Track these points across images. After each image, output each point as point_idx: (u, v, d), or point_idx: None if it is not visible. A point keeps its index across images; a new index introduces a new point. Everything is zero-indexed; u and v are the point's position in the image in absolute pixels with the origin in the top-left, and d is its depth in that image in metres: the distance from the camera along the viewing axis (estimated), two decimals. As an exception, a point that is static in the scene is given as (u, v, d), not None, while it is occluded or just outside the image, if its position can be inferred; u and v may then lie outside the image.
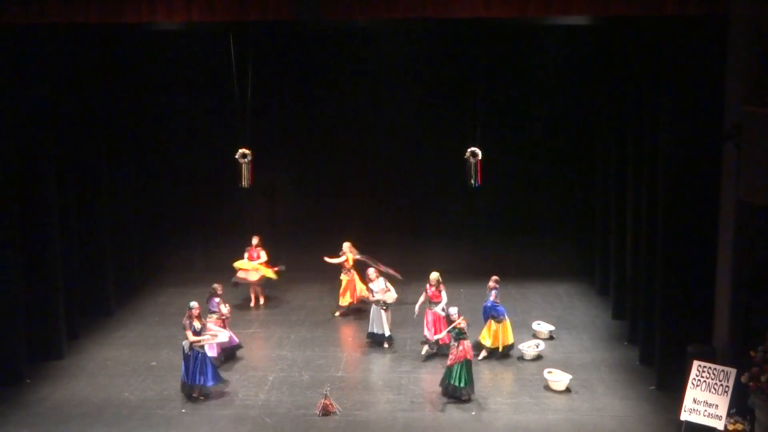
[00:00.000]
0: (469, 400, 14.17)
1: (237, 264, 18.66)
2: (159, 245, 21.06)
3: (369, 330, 16.57)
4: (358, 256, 18.11)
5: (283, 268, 18.67)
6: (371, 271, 16.64)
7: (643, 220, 15.73)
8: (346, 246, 18.19)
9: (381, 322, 16.39)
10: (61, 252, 16.08)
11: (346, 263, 18.11)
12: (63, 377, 15.33)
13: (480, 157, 16.58)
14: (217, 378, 14.45)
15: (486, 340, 16.04)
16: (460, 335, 14.26)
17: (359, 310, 18.05)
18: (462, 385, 14.16)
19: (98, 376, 15.44)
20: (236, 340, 16.05)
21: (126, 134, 19.47)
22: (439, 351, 15.81)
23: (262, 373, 15.46)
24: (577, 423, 13.52)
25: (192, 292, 17.52)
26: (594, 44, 18.85)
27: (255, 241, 18.82)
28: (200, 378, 14.17)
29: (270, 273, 18.67)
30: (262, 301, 19.03)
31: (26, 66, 15.12)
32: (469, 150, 16.63)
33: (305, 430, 13.37)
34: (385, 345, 16.39)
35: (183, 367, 14.33)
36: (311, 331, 16.92)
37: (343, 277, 18.17)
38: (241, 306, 18.73)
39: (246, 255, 18.77)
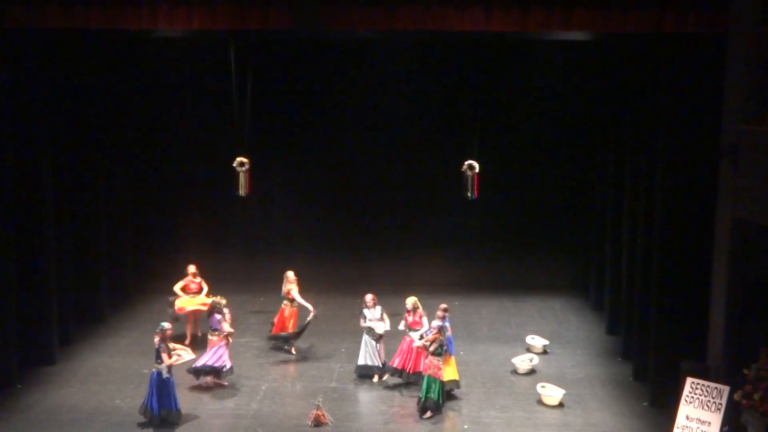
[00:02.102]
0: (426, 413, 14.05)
1: (178, 301, 17.02)
2: (153, 252, 20.99)
3: (360, 362, 15.58)
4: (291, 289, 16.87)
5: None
6: (369, 298, 15.67)
7: (639, 237, 15.75)
8: (291, 275, 17.00)
9: (373, 352, 15.54)
10: (54, 258, 16.03)
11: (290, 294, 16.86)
12: (55, 383, 15.26)
13: (477, 170, 16.62)
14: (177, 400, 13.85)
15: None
16: (439, 352, 14.09)
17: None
18: (421, 396, 14.12)
19: (90, 382, 15.38)
20: (229, 363, 15.22)
21: (123, 141, 19.46)
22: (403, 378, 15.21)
23: (255, 383, 15.40)
24: (570, 438, 13.50)
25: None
26: (593, 61, 18.89)
27: (192, 269, 17.34)
28: (173, 403, 13.58)
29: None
30: (198, 334, 17.18)
31: (25, 71, 15.09)
32: (466, 163, 16.68)
33: (297, 441, 13.34)
34: (375, 379, 15.44)
35: (154, 395, 13.44)
36: (304, 341, 16.86)
37: (286, 307, 16.84)
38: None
39: (182, 284, 17.23)
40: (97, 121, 17.93)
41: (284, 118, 20.44)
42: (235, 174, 16.57)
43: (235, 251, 21.15)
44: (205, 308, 16.33)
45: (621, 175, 17.48)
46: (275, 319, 16.99)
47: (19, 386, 14.95)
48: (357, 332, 16.19)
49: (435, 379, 14.03)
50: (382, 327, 15.51)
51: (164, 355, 13.44)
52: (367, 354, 15.57)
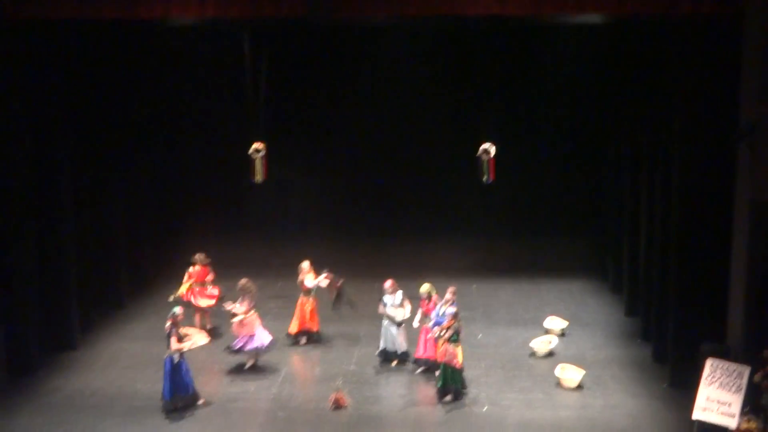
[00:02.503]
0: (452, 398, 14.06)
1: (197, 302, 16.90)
2: (172, 238, 21.12)
3: (381, 347, 15.59)
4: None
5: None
6: (388, 284, 15.57)
7: (657, 218, 15.69)
8: (306, 265, 16.72)
9: (393, 339, 15.48)
10: (74, 244, 16.17)
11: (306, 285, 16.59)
12: (76, 368, 15.41)
13: (493, 153, 16.57)
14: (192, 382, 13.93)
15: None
16: (455, 339, 14.02)
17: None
18: (439, 385, 14.06)
19: (111, 367, 15.52)
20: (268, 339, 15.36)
21: (140, 128, 19.54)
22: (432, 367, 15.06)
23: (275, 367, 15.48)
24: (589, 420, 13.49)
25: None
26: (608, 42, 18.79)
27: (201, 258, 17.11)
28: (187, 388, 13.66)
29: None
30: (208, 326, 16.97)
31: (41, 60, 15.19)
32: (482, 147, 16.63)
33: (317, 424, 13.39)
34: (394, 363, 15.46)
35: (167, 381, 13.51)
36: (324, 325, 16.90)
37: (306, 301, 16.60)
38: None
39: (187, 277, 16.97)
40: (113, 111, 18.02)
41: (299, 104, 20.47)
42: (251, 160, 16.61)
43: (252, 237, 21.23)
44: (212, 302, 16.87)
45: (638, 158, 17.40)
46: (295, 317, 16.56)
47: (42, 372, 15.09)
48: (376, 316, 16.23)
49: (452, 367, 13.99)
50: (401, 314, 15.40)
51: (172, 340, 13.47)
52: (387, 340, 15.55)
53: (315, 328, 16.49)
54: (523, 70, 19.92)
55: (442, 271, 20.50)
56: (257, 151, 16.60)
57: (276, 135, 17.80)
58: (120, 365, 15.62)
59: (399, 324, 15.44)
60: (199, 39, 19.46)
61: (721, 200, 13.79)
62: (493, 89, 17.13)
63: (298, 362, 15.76)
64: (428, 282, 15.54)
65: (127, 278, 18.87)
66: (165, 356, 13.56)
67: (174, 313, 13.77)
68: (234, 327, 15.25)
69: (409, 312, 15.46)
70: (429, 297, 15.15)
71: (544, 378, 14.98)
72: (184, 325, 14.29)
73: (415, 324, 15.10)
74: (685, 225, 14.19)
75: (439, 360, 14.15)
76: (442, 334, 14.03)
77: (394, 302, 15.43)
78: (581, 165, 20.82)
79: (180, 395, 13.57)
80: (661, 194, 15.48)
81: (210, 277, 17.09)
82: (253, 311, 15.33)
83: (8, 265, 14.72)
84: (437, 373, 14.29)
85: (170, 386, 13.52)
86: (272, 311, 18.28)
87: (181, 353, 13.57)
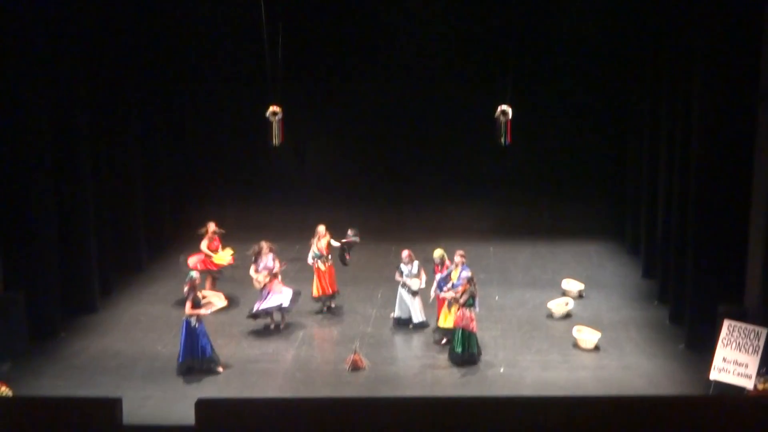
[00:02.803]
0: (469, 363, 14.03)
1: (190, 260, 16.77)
2: (190, 201, 21.23)
3: (395, 314, 15.63)
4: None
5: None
6: (405, 254, 15.54)
7: (675, 179, 15.61)
8: (322, 229, 16.50)
9: (406, 307, 15.46)
10: (93, 208, 16.30)
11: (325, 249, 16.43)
12: (97, 331, 15.60)
13: (510, 115, 16.48)
14: (211, 349, 13.91)
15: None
16: (471, 303, 13.98)
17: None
18: (459, 351, 13.97)
19: (131, 329, 15.70)
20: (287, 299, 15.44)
21: (158, 92, 19.54)
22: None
23: (292, 329, 15.60)
24: (606, 381, 13.55)
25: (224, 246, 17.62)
26: (629, 2, 18.55)
27: (212, 227, 16.94)
28: (205, 350, 13.70)
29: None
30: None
31: (60, 24, 15.18)
32: (499, 108, 16.53)
33: (335, 385, 13.52)
34: (410, 326, 15.51)
35: (183, 344, 13.63)
36: (341, 286, 16.98)
37: (320, 265, 16.35)
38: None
39: (206, 243, 16.82)
40: (131, 75, 18.01)
41: (316, 67, 20.36)
42: (268, 123, 16.61)
43: (269, 200, 21.28)
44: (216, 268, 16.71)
45: (657, 118, 17.26)
46: (315, 284, 16.28)
47: (63, 334, 15.29)
48: (392, 279, 16.31)
49: (469, 332, 13.98)
50: (416, 284, 15.40)
51: (188, 304, 13.59)
52: (402, 309, 15.57)
53: (333, 290, 16.42)
54: (542, 31, 19.69)
55: (459, 233, 20.54)
56: (274, 114, 16.60)
57: (293, 98, 17.78)
58: (140, 327, 15.79)
59: (414, 293, 15.47)
60: (216, 1, 19.38)
61: (741, 160, 13.69)
62: (512, 50, 16.96)
63: (316, 324, 15.87)
64: (441, 247, 15.59)
65: (146, 241, 18.99)
66: (183, 319, 13.69)
67: (191, 277, 13.92)
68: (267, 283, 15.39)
69: (425, 282, 15.46)
70: (442, 262, 15.15)
71: (561, 339, 15.03)
72: (202, 289, 14.40)
73: (432, 293, 15.07)
74: (704, 186, 14.10)
75: (455, 325, 14.09)
76: (457, 298, 14.02)
77: (410, 272, 15.44)
78: (599, 126, 20.65)
79: (196, 358, 13.67)
80: (680, 155, 15.38)
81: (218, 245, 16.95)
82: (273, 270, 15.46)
83: (29, 230, 14.84)
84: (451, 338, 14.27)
85: (184, 349, 13.66)
86: (289, 274, 18.27)
87: (199, 318, 13.66)
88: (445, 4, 19.59)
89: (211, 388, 13.33)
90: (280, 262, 15.74)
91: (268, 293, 15.30)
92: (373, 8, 19.76)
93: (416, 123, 20.77)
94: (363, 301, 16.92)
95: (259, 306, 15.26)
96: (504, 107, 16.50)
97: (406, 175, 21.11)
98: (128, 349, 14.85)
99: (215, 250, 16.81)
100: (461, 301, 13.94)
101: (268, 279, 15.41)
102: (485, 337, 15.03)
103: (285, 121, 16.78)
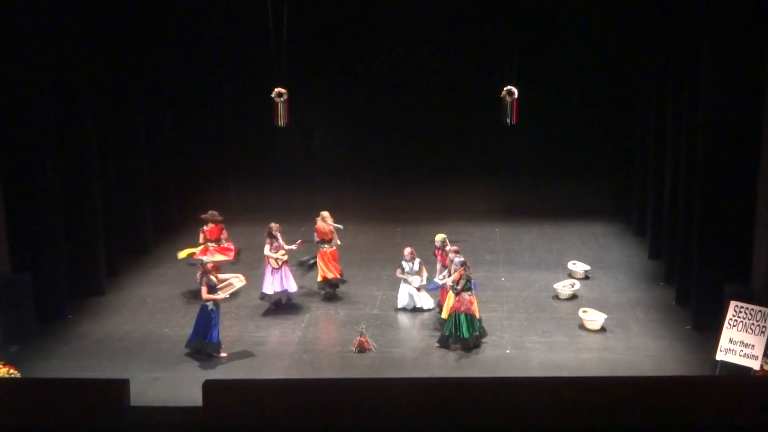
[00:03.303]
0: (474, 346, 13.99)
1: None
2: (196, 183, 21.24)
3: (399, 305, 15.63)
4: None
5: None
6: (407, 251, 15.54)
7: (682, 160, 15.56)
8: (327, 214, 16.36)
9: (410, 300, 15.51)
10: (100, 190, 16.33)
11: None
12: (104, 313, 15.65)
13: (516, 95, 16.45)
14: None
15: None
16: (469, 286, 13.92)
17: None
18: (467, 336, 13.90)
19: (139, 312, 15.75)
20: (294, 287, 15.64)
21: (163, 74, 19.52)
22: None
23: (299, 311, 15.65)
24: (612, 362, 13.56)
25: (229, 230, 17.60)
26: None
27: (213, 216, 16.47)
28: (213, 334, 13.65)
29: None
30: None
31: (64, 10, 15.13)
32: (505, 89, 16.50)
33: (341, 367, 13.56)
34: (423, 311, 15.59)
35: (196, 326, 13.65)
36: (347, 269, 17.00)
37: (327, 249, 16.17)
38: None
39: (202, 237, 16.30)
40: (137, 55, 17.98)
41: (321, 48, 20.30)
42: (273, 104, 16.59)
43: (275, 181, 21.31)
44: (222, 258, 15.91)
45: (664, 99, 17.18)
46: (322, 268, 16.12)
47: (71, 317, 15.34)
48: (398, 260, 16.29)
49: (470, 316, 13.91)
50: (417, 281, 15.44)
51: (203, 290, 13.58)
52: (404, 298, 15.59)
53: (336, 275, 16.27)
54: (548, 11, 19.59)
55: (465, 214, 20.59)
56: (279, 95, 16.58)
57: (298, 79, 17.74)
58: (147, 309, 15.84)
59: (417, 289, 15.50)
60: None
61: (747, 140, 13.63)
62: (517, 31, 16.89)
63: (323, 306, 15.90)
64: (443, 232, 15.60)
65: (153, 223, 19.03)
66: (201, 303, 13.71)
67: (202, 261, 13.99)
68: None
69: (426, 279, 15.49)
70: (443, 246, 15.13)
71: (567, 321, 15.04)
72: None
73: (438, 280, 14.85)
74: (710, 166, 14.06)
75: (454, 309, 13.93)
76: (456, 287, 13.94)
77: (412, 269, 15.50)
78: (605, 107, 20.58)
79: (202, 342, 13.66)
80: (686, 136, 15.32)
81: (224, 234, 16.56)
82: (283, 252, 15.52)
83: (36, 212, 14.87)
84: (445, 315, 14.17)
85: (195, 331, 13.70)
86: (296, 255, 18.38)
87: (216, 302, 13.63)
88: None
89: (218, 370, 13.37)
90: (295, 242, 15.79)
91: (279, 277, 15.40)
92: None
93: (422, 104, 20.71)
94: (369, 283, 16.94)
95: (270, 289, 15.36)
96: (510, 87, 16.46)
97: (412, 157, 21.08)
98: (135, 331, 14.90)
99: (218, 239, 16.34)
100: (459, 287, 13.87)
101: (286, 257, 15.46)
102: (491, 318, 15.05)
103: (290, 103, 16.75)
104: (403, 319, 15.38)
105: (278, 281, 15.46)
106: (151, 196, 18.89)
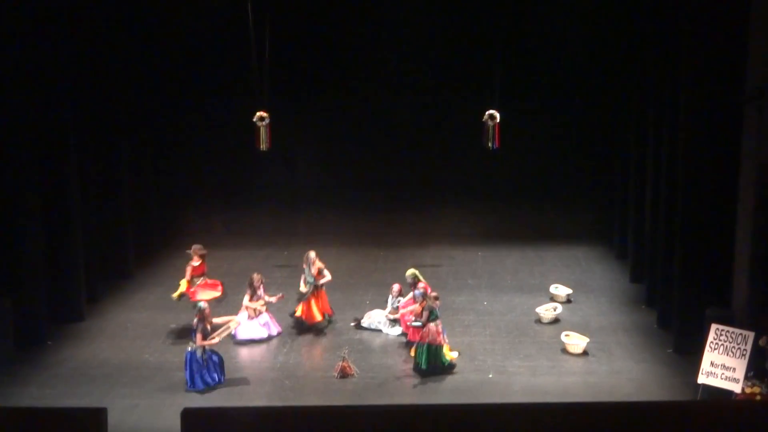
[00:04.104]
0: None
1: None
2: (178, 208, 21.16)
3: (363, 323, 15.84)
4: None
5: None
6: (395, 288, 15.72)
7: (663, 184, 15.65)
8: (313, 254, 15.95)
9: (373, 323, 15.73)
10: (80, 215, 16.21)
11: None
12: (84, 339, 15.50)
13: (498, 119, 16.50)
14: (223, 369, 13.86)
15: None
16: (434, 316, 13.84)
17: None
18: (424, 368, 13.78)
19: (118, 338, 15.61)
20: (277, 329, 15.56)
21: (144, 98, 19.47)
22: None
23: (281, 336, 15.55)
24: (595, 386, 13.55)
25: (211, 255, 17.49)
26: (616, 7, 18.62)
27: (198, 250, 15.85)
28: (214, 377, 13.58)
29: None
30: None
31: (45, 29, 15.10)
32: (487, 113, 16.55)
33: (323, 393, 13.48)
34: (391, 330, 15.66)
35: (195, 374, 13.43)
36: (330, 293, 16.92)
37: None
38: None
39: (190, 272, 15.67)
40: (117, 78, 17.94)
41: (303, 71, 20.33)
42: (255, 128, 16.58)
43: (258, 206, 21.25)
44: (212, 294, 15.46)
45: (644, 122, 17.30)
46: (308, 308, 15.74)
47: (50, 342, 15.20)
48: (381, 284, 16.30)
49: (434, 347, 13.75)
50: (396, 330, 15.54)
51: (198, 336, 13.50)
52: (372, 322, 15.68)
53: (313, 320, 15.73)
54: (530, 35, 19.73)
55: (448, 238, 20.60)
56: (261, 119, 16.57)
57: (280, 103, 17.75)
58: (128, 335, 15.70)
59: (393, 323, 15.54)
60: (203, 6, 19.33)
61: (728, 164, 13.73)
62: (499, 55, 16.97)
63: (304, 331, 15.79)
64: (415, 267, 15.60)
65: (134, 248, 18.90)
66: (188, 349, 13.55)
67: (200, 307, 13.77)
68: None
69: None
70: (414, 282, 15.09)
71: (550, 345, 15.03)
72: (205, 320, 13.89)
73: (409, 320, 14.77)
74: (690, 190, 14.14)
75: (422, 340, 13.80)
76: (419, 321, 13.84)
77: (393, 305, 15.52)
78: (586, 131, 20.69)
79: (210, 386, 13.51)
80: (667, 160, 15.41)
81: (206, 268, 15.96)
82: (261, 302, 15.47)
83: (15, 236, 14.77)
84: (413, 352, 14.09)
85: (196, 380, 13.43)
86: (278, 280, 18.30)
87: (205, 349, 13.53)
88: (433, 9, 19.59)
89: (197, 397, 13.27)
90: (275, 296, 15.67)
91: (256, 323, 15.35)
92: (361, 13, 19.74)
93: (404, 127, 20.76)
94: (352, 307, 16.85)
95: (247, 337, 15.22)
96: (492, 112, 16.53)
97: (394, 181, 21.10)
98: (115, 357, 14.76)
99: (202, 274, 15.79)
100: (423, 319, 13.78)
101: (264, 308, 15.43)
102: (474, 342, 15.04)
103: (273, 127, 16.74)
104: (386, 344, 15.30)
105: (255, 328, 15.29)
106: (132, 221, 18.77)
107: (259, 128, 16.60)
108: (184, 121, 20.91)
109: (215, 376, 13.63)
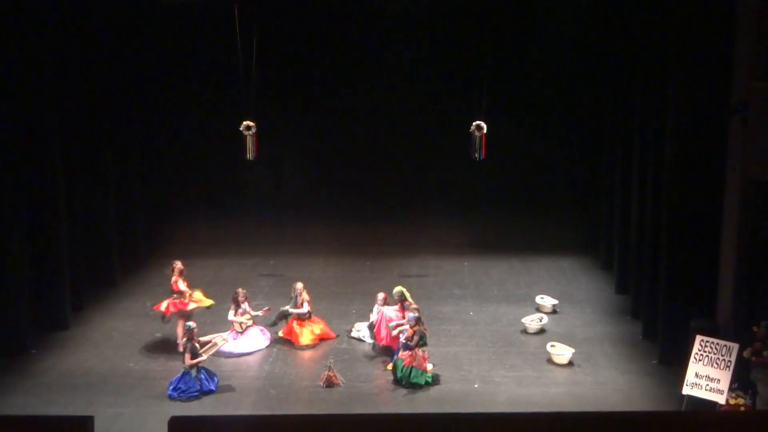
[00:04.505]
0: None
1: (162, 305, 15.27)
2: (163, 217, 21.09)
3: (360, 335, 15.78)
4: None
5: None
6: (381, 296, 15.50)
7: (649, 195, 15.72)
8: (300, 286, 15.77)
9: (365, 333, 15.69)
10: (65, 223, 16.14)
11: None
12: (68, 347, 15.41)
13: (485, 130, 16.56)
14: (214, 376, 13.85)
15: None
16: (423, 342, 13.87)
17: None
18: (400, 380, 13.81)
19: (103, 346, 15.53)
20: (267, 340, 15.51)
21: (130, 106, 19.42)
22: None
23: (267, 345, 15.50)
24: (580, 396, 13.58)
25: (197, 264, 17.55)
26: (602, 17, 18.75)
27: (179, 266, 15.32)
28: (207, 384, 13.61)
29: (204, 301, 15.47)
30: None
31: (31, 39, 15.07)
32: (474, 123, 16.61)
33: (309, 402, 13.45)
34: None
35: (193, 392, 13.43)
36: (315, 303, 16.91)
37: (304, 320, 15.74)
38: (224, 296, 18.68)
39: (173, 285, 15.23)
40: (103, 89, 17.88)
41: (290, 81, 20.36)
42: (242, 138, 16.58)
43: (244, 215, 21.21)
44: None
45: (630, 133, 17.39)
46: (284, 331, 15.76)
47: (34, 351, 15.10)
48: (367, 294, 16.24)
49: (419, 371, 13.75)
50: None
51: (187, 356, 13.52)
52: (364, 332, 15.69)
53: (298, 342, 15.54)
54: (516, 46, 19.85)
55: (434, 248, 20.62)
56: (248, 128, 16.57)
57: (267, 112, 17.76)
58: (112, 344, 15.62)
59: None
60: (189, 15, 19.33)
61: (713, 177, 13.83)
62: (486, 66, 17.06)
63: (290, 341, 15.75)
64: (402, 285, 15.52)
65: (119, 256, 18.82)
66: (183, 368, 13.56)
67: (189, 327, 13.83)
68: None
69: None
70: (401, 300, 15.06)
71: (535, 355, 15.06)
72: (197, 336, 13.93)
73: (390, 328, 14.75)
74: (676, 202, 14.22)
75: (406, 364, 13.78)
76: (409, 343, 13.85)
77: (375, 313, 15.45)
78: (572, 142, 20.80)
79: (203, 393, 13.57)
80: (652, 171, 15.49)
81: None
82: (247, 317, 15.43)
83: (-1, 244, 14.70)
84: (392, 366, 14.10)
85: (196, 394, 13.45)
86: (263, 290, 18.27)
87: (197, 366, 13.55)
88: (420, 20, 19.66)
89: (183, 405, 13.22)
90: (262, 309, 15.59)
91: (246, 339, 15.32)
92: (348, 23, 19.79)
93: (391, 137, 20.79)
94: (337, 317, 16.83)
95: (237, 351, 15.10)
96: (478, 122, 16.59)
97: (381, 190, 21.11)
98: (100, 365, 14.68)
99: (181, 292, 15.21)
100: (412, 344, 13.79)
101: (251, 322, 15.41)
102: (459, 352, 15.05)
103: (259, 136, 16.74)
104: (372, 353, 15.29)
105: (244, 343, 15.25)
106: (117, 229, 18.69)
107: (245, 137, 16.61)
108: (170, 130, 20.87)
109: (207, 383, 13.60)
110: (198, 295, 15.40)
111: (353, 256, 20.29)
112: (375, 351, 15.27)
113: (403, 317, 14.66)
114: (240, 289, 15.65)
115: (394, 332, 14.44)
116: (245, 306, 15.48)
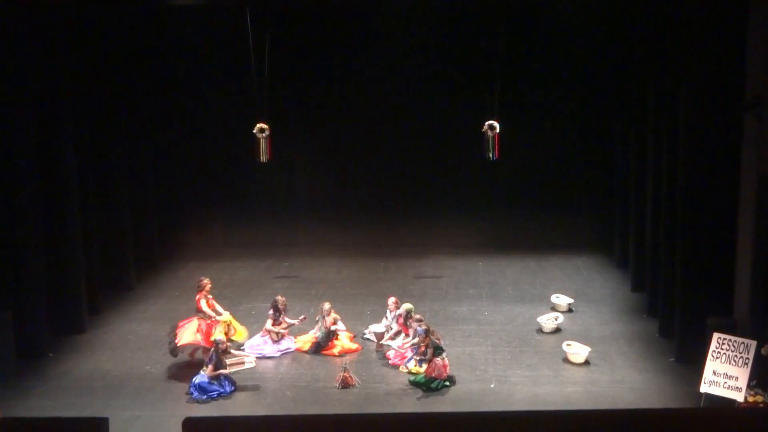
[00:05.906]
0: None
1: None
2: (178, 220, 21.20)
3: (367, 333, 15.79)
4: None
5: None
6: (391, 301, 15.60)
7: (663, 192, 15.65)
8: (327, 306, 15.54)
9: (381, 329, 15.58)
10: (81, 227, 16.22)
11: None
12: (85, 351, 15.48)
13: (498, 130, 16.54)
14: (232, 380, 13.84)
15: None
16: (440, 351, 13.86)
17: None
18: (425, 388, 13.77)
19: (120, 349, 15.59)
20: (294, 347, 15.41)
21: (144, 111, 19.53)
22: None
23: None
24: (596, 395, 13.52)
25: (212, 266, 17.60)
26: (615, 14, 18.69)
27: (204, 282, 15.05)
28: (226, 387, 13.65)
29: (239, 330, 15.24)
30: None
31: (46, 42, 15.16)
32: (487, 123, 16.60)
33: (325, 403, 13.44)
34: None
35: (196, 388, 13.50)
36: (331, 304, 16.91)
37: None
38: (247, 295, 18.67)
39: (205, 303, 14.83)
40: (117, 93, 17.98)
41: (303, 83, 20.42)
42: (255, 140, 16.62)
43: (258, 217, 21.28)
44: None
45: (644, 131, 17.33)
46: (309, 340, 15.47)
47: (51, 355, 15.17)
48: (381, 294, 16.22)
49: (439, 381, 13.74)
50: (380, 328, 15.54)
51: (210, 367, 13.51)
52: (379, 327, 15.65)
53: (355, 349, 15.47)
54: (529, 45, 19.80)
55: (448, 248, 20.62)
56: (261, 131, 16.62)
57: (280, 115, 17.81)
58: (129, 347, 15.68)
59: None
60: (203, 19, 19.42)
61: (728, 173, 13.73)
62: (499, 65, 17.03)
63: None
64: (410, 302, 15.54)
65: (135, 260, 18.91)
66: (202, 373, 13.56)
67: (218, 341, 13.77)
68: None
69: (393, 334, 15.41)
70: (407, 317, 15.03)
71: (551, 354, 15.01)
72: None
73: (396, 345, 14.81)
74: (692, 198, 14.14)
75: (427, 374, 13.76)
76: (425, 358, 13.85)
77: (391, 318, 15.47)
78: (586, 140, 20.76)
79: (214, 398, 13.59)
80: (667, 168, 15.43)
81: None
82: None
83: (16, 249, 14.77)
84: (405, 370, 14.18)
85: (199, 390, 13.49)
86: (279, 292, 18.25)
87: (219, 376, 13.59)
88: (432, 20, 19.65)
89: (199, 407, 13.24)
90: (298, 318, 15.50)
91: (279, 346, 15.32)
92: (360, 23, 19.82)
93: (404, 138, 20.81)
94: (353, 317, 16.82)
95: (271, 353, 15.12)
96: (491, 122, 16.56)
97: (394, 191, 21.14)
98: (116, 369, 14.73)
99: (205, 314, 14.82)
100: (428, 356, 13.80)
101: (287, 331, 15.40)
102: (475, 352, 15.02)
103: (272, 138, 16.78)
104: (387, 354, 15.26)
105: (274, 348, 15.22)
106: (133, 233, 18.79)
107: (259, 140, 16.66)
108: (185, 133, 20.98)
109: (225, 386, 13.64)
110: (225, 321, 14.90)
111: (367, 257, 20.31)
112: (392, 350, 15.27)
113: (407, 333, 14.73)
114: (280, 297, 15.54)
115: (404, 348, 14.40)
116: (284, 316, 15.36)
